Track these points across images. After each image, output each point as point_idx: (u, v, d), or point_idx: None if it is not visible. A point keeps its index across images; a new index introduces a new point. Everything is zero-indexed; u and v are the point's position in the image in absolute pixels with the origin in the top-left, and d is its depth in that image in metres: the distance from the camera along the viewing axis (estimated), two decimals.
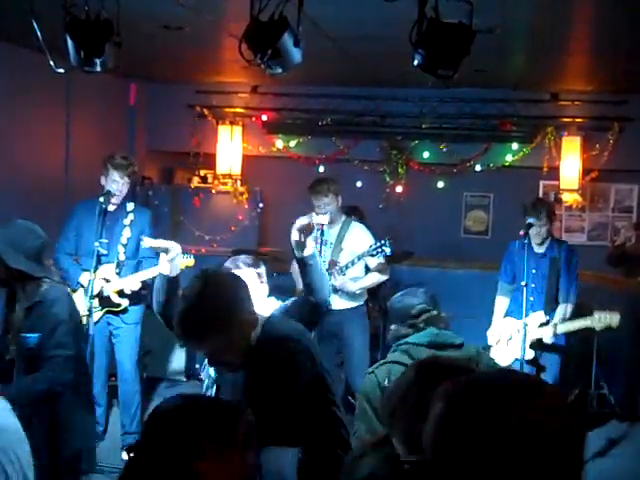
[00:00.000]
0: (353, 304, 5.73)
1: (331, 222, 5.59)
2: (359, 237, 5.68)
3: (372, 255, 5.42)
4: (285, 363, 2.59)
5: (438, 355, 2.67)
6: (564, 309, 5.56)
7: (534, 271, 5.52)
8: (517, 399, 1.29)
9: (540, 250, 5.60)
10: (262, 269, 3.78)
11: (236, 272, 3.43)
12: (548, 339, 5.40)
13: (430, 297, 3.39)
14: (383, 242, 5.33)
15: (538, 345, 5.39)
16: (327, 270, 5.53)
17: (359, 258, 5.49)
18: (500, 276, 5.83)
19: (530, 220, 5.38)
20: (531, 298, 5.43)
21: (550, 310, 5.51)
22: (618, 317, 5.25)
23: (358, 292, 5.68)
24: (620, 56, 5.56)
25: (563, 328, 5.40)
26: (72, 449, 2.37)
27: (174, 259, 2.96)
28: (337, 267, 5.55)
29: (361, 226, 5.80)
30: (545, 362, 5.47)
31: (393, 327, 3.36)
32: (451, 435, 1.28)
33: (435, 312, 3.31)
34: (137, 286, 5.57)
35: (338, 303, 5.60)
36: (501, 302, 5.77)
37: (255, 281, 3.61)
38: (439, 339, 3.16)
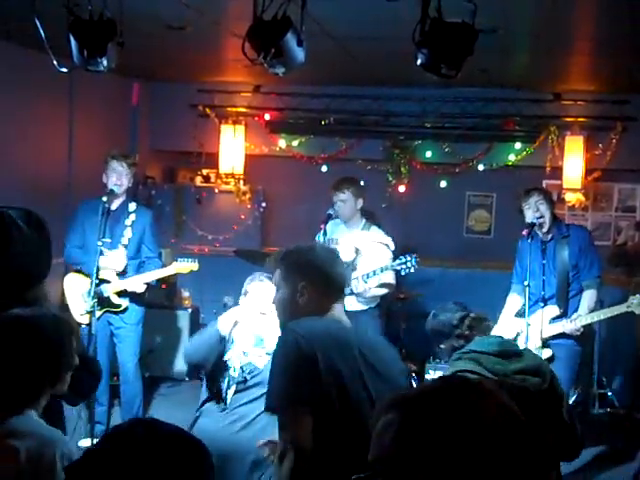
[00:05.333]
0: (366, 307, 5.78)
1: (347, 222, 5.81)
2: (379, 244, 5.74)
3: (396, 270, 5.44)
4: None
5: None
6: (589, 296, 5.23)
7: (543, 262, 5.24)
8: (469, 404, 1.31)
9: (546, 238, 5.34)
10: None
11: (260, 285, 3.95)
12: (573, 332, 5.11)
13: (458, 303, 3.48)
14: (409, 259, 5.33)
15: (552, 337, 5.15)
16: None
17: (382, 270, 5.50)
18: (512, 278, 5.61)
19: (531, 220, 5.31)
20: (542, 292, 5.21)
21: (565, 301, 5.23)
22: None
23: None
24: (623, 56, 5.56)
25: (594, 318, 5.09)
26: None
27: None
28: (361, 275, 5.56)
29: (380, 231, 5.84)
30: (559, 357, 5.15)
31: (444, 345, 3.44)
32: (411, 444, 1.29)
33: (473, 314, 3.38)
34: (142, 288, 5.59)
35: (354, 305, 5.69)
36: (511, 300, 5.51)
37: None
38: (508, 347, 3.24)
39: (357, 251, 5.30)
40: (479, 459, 1.26)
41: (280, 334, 2.67)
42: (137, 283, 5.57)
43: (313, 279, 2.75)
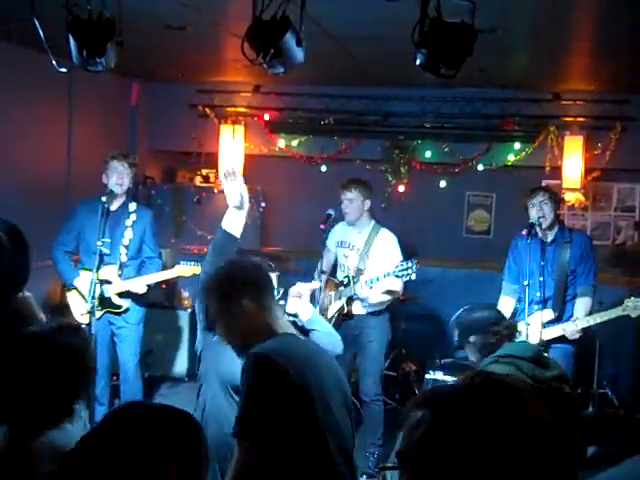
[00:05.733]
0: (374, 309, 5.70)
1: (354, 222, 5.72)
2: (387, 246, 5.66)
3: (397, 276, 5.30)
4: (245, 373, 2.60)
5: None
6: (584, 303, 5.24)
7: (542, 263, 5.23)
8: (504, 407, 1.32)
9: (548, 239, 5.33)
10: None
11: None
12: (572, 335, 5.10)
13: (496, 308, 3.59)
14: (410, 265, 5.19)
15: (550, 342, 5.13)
16: (353, 278, 5.62)
17: (385, 276, 5.36)
18: (504, 275, 5.59)
19: (532, 221, 5.29)
20: (537, 294, 5.20)
21: (560, 305, 5.23)
22: None
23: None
24: (622, 55, 5.56)
25: (590, 321, 5.08)
26: None
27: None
28: (365, 280, 5.45)
29: (389, 234, 5.73)
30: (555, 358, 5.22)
31: (474, 339, 3.46)
32: (439, 441, 1.30)
33: (511, 321, 3.43)
34: (143, 289, 5.58)
35: (360, 309, 5.66)
36: (504, 303, 5.46)
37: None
38: (540, 354, 3.28)
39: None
40: (507, 465, 1.26)
41: (249, 357, 2.61)
42: (139, 285, 5.57)
43: (252, 295, 2.73)
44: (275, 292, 2.87)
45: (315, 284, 3.68)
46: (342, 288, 5.71)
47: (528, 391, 1.39)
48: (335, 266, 6.01)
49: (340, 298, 5.72)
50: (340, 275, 5.84)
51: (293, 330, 2.86)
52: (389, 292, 5.54)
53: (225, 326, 2.78)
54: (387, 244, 5.68)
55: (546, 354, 3.39)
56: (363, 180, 5.84)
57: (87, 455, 1.57)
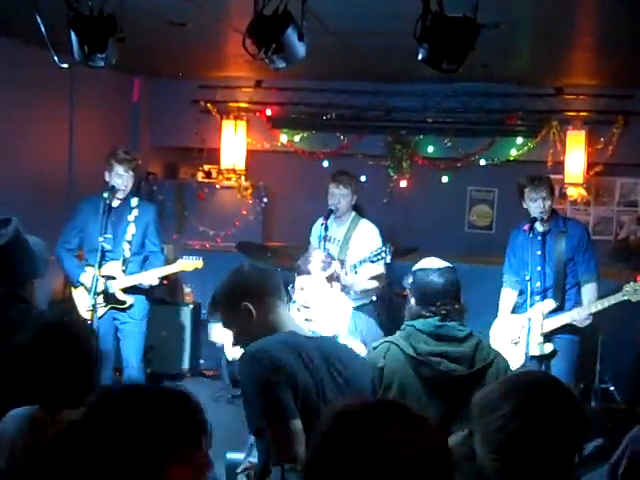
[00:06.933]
0: (359, 302, 5.66)
1: (339, 217, 5.68)
2: (367, 236, 5.63)
3: (372, 262, 5.29)
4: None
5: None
6: (590, 289, 5.22)
7: (539, 252, 5.22)
8: (385, 427, 1.39)
9: (544, 228, 5.31)
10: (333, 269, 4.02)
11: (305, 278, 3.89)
12: (581, 323, 5.08)
13: (454, 281, 3.41)
14: (384, 249, 5.19)
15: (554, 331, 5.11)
16: None
17: (360, 263, 5.34)
18: (504, 268, 5.59)
19: (535, 216, 5.27)
20: (537, 284, 5.17)
21: (561, 294, 5.21)
22: None
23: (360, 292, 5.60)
24: (624, 50, 5.55)
25: (592, 308, 5.03)
26: None
27: None
28: (349, 265, 5.38)
29: (369, 224, 5.72)
30: (558, 350, 5.15)
31: (413, 304, 3.42)
32: (328, 450, 1.39)
33: (457, 305, 3.37)
34: (155, 282, 5.59)
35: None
36: (506, 295, 5.47)
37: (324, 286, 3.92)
38: (441, 331, 3.27)
39: None
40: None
41: (239, 361, 2.69)
42: (149, 277, 5.58)
43: (251, 298, 2.80)
44: (281, 292, 2.91)
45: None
46: None
47: (427, 421, 1.46)
48: None
49: None
50: None
51: (298, 328, 2.89)
52: (374, 278, 5.49)
53: (236, 331, 2.86)
54: (367, 233, 5.66)
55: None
56: (354, 175, 5.85)
57: (79, 439, 1.51)
